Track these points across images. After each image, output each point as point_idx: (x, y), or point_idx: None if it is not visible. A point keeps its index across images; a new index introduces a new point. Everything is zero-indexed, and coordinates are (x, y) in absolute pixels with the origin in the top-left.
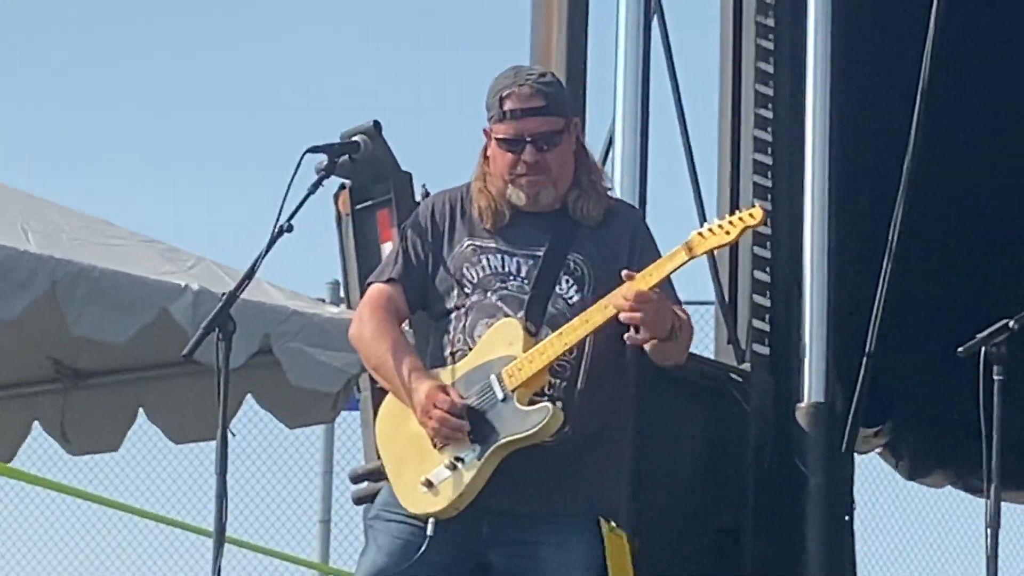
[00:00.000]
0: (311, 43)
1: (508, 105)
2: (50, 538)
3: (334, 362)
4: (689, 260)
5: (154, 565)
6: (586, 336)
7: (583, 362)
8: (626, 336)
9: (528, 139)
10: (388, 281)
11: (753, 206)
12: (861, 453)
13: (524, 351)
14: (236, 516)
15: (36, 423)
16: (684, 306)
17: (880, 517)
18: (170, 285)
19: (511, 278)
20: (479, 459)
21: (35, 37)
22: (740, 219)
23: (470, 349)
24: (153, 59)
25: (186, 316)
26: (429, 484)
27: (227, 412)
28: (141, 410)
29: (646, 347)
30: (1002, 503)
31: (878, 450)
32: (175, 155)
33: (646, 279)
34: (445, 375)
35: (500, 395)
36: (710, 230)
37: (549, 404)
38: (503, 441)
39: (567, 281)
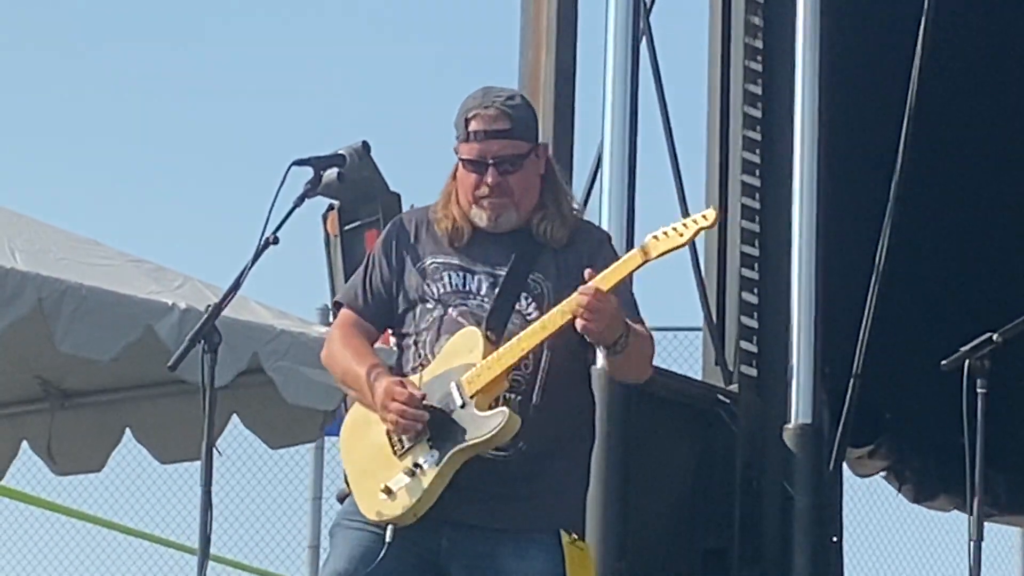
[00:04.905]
0: (301, 61)
1: (473, 126)
2: (38, 556)
3: (326, 380)
4: (643, 263)
5: None
6: (544, 341)
7: (539, 376)
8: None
9: (491, 161)
10: (355, 307)
11: (708, 208)
12: (862, 476)
13: (484, 359)
14: (224, 537)
15: (24, 442)
16: (673, 332)
17: (874, 539)
18: (156, 304)
19: (471, 296)
20: (437, 464)
21: (20, 53)
22: (694, 221)
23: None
24: (143, 78)
25: (172, 334)
26: (388, 491)
27: (212, 428)
28: (127, 430)
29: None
30: (1010, 527)
31: (882, 474)
32: (163, 175)
33: (606, 280)
34: (409, 384)
35: (459, 401)
36: (664, 233)
37: (506, 409)
38: (461, 446)
39: (526, 299)
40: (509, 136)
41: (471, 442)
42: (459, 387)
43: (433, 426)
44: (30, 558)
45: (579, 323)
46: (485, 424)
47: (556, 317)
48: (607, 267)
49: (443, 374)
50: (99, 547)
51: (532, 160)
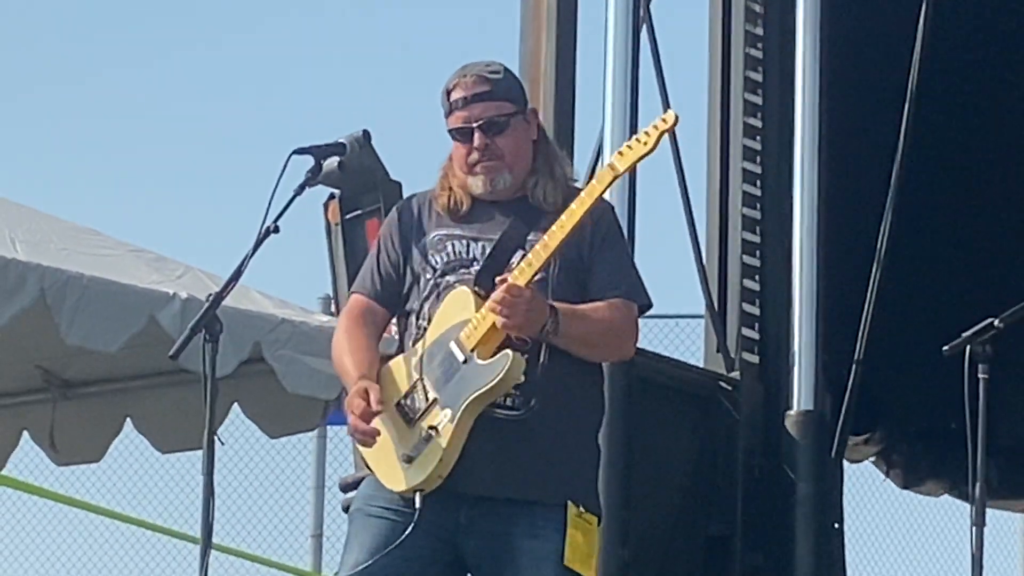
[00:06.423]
0: (300, 51)
1: (454, 96)
2: (38, 545)
3: (327, 369)
4: (615, 178)
5: (143, 572)
6: (533, 276)
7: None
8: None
9: (475, 125)
10: (366, 292)
11: (666, 111)
12: (853, 462)
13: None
14: (227, 526)
15: (25, 432)
16: (675, 319)
17: (872, 525)
18: (158, 293)
19: (475, 263)
20: (451, 422)
21: (19, 48)
22: (655, 127)
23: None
24: (141, 67)
25: (174, 324)
26: (409, 459)
27: (214, 417)
28: (128, 420)
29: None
30: (1001, 511)
31: (871, 459)
32: (163, 165)
33: (523, 273)
34: (412, 358)
35: (461, 358)
36: (628, 146)
37: (509, 351)
38: (471, 398)
39: (523, 258)
40: (491, 98)
41: (481, 390)
42: (458, 344)
43: (441, 389)
44: (31, 547)
45: (496, 321)
46: (490, 370)
47: (541, 253)
48: (608, 240)
49: (440, 338)
50: (100, 536)
51: (520, 122)
